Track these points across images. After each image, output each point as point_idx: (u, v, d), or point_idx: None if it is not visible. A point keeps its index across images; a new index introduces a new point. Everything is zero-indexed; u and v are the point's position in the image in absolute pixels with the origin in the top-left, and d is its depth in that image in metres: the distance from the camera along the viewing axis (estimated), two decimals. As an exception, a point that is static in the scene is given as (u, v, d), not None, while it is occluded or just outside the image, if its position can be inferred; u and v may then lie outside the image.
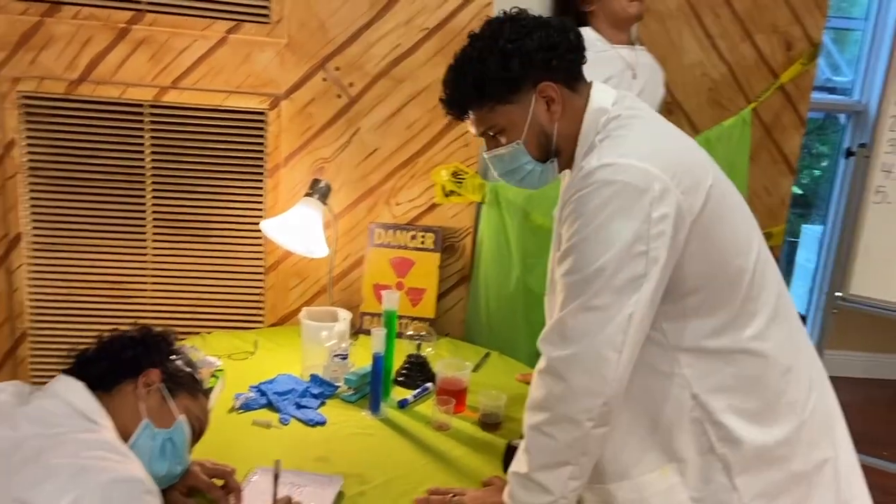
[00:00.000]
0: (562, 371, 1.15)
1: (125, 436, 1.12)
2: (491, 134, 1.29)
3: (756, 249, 1.23)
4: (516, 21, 1.25)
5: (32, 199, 2.10)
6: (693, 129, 2.37)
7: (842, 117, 3.39)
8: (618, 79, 2.07)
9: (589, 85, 1.28)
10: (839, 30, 3.48)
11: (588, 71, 1.93)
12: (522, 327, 2.23)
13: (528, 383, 1.87)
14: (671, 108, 2.36)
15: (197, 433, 1.27)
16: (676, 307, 1.19)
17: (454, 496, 1.32)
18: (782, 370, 1.21)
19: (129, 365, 1.19)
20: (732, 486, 1.18)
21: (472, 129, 1.31)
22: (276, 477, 1.26)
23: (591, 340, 1.13)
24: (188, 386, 1.26)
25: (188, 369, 1.28)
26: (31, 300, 2.16)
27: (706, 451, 1.19)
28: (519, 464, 1.22)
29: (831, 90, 3.51)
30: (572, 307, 1.14)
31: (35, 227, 2.12)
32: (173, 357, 1.27)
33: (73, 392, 1.09)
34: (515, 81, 1.23)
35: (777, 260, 2.59)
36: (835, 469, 1.23)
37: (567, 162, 1.28)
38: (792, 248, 3.71)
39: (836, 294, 2.75)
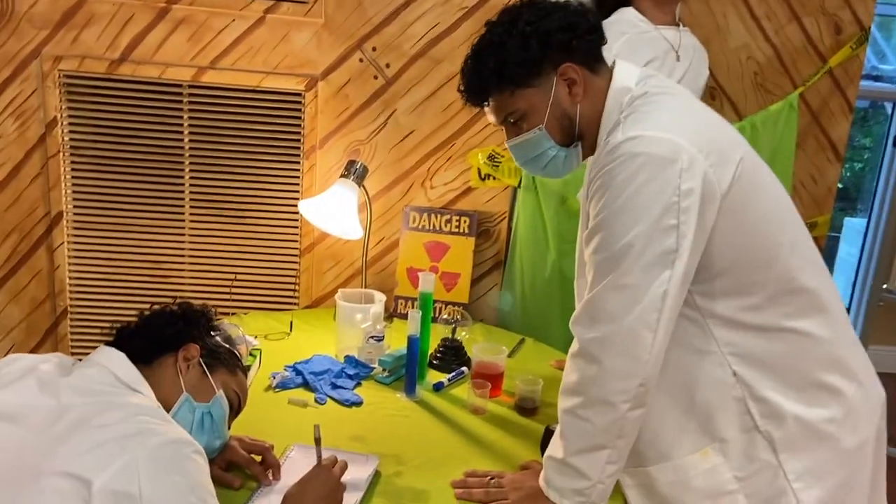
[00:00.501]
0: (595, 353, 1.13)
1: (165, 409, 1.12)
2: (511, 121, 1.26)
3: (792, 227, 1.20)
4: (534, 4, 1.23)
5: (74, 177, 2.12)
6: (737, 114, 2.31)
7: (888, 106, 3.29)
8: (660, 61, 2.01)
9: (609, 66, 1.25)
10: (885, 16, 3.37)
11: (630, 52, 1.89)
12: (558, 314, 2.20)
13: (563, 370, 1.87)
14: (714, 93, 2.30)
15: (235, 409, 1.26)
16: (709, 285, 1.17)
17: (492, 478, 1.31)
18: (826, 349, 1.19)
19: (170, 339, 1.19)
20: (778, 463, 1.16)
21: (492, 118, 1.28)
22: (317, 441, 1.26)
23: (624, 320, 1.10)
24: (227, 361, 1.26)
25: (227, 345, 1.28)
26: (72, 278, 2.19)
27: (749, 429, 1.17)
28: (554, 448, 1.20)
29: (877, 78, 3.40)
30: (602, 286, 1.12)
31: (76, 206, 2.15)
32: (213, 333, 1.27)
33: (115, 361, 1.09)
34: (536, 64, 1.21)
35: (821, 251, 2.52)
36: (872, 452, 1.22)
37: (591, 146, 1.25)
38: (833, 243, 3.62)
39: (883, 286, 2.68)
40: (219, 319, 1.32)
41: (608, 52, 1.33)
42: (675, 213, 1.08)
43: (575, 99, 1.22)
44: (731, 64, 2.31)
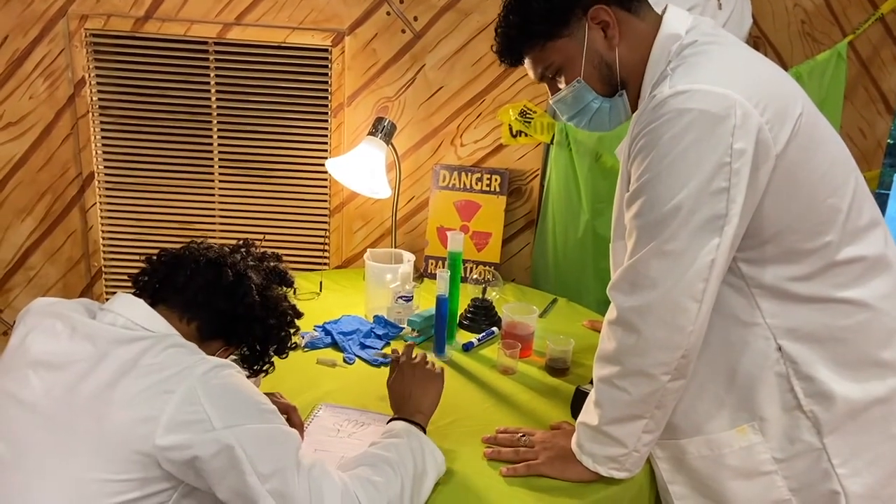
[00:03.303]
0: (635, 322, 1.07)
1: None
2: (550, 76, 1.20)
3: (853, 188, 1.11)
4: None
5: (104, 137, 2.13)
6: (782, 63, 2.20)
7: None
8: (701, 8, 1.92)
9: (653, 10, 1.16)
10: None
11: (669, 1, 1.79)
12: (591, 274, 2.16)
13: (595, 330, 1.85)
14: (758, 42, 2.19)
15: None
16: (757, 252, 1.09)
17: (523, 436, 1.29)
18: (886, 320, 1.10)
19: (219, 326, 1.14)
20: (822, 447, 1.10)
21: (532, 75, 1.22)
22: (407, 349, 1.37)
23: (668, 288, 1.04)
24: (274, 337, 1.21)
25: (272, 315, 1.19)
26: (105, 238, 2.21)
27: (792, 408, 1.11)
28: (589, 415, 1.16)
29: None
30: (646, 251, 1.05)
31: (107, 166, 2.15)
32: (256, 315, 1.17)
33: (136, 310, 1.06)
34: (562, 11, 1.14)
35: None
36: None
37: (636, 94, 1.17)
38: (882, 200, 3.46)
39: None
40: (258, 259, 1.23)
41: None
42: (727, 174, 1.01)
43: (612, 43, 1.14)
44: (777, 12, 2.19)
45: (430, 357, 1.64)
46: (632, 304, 1.08)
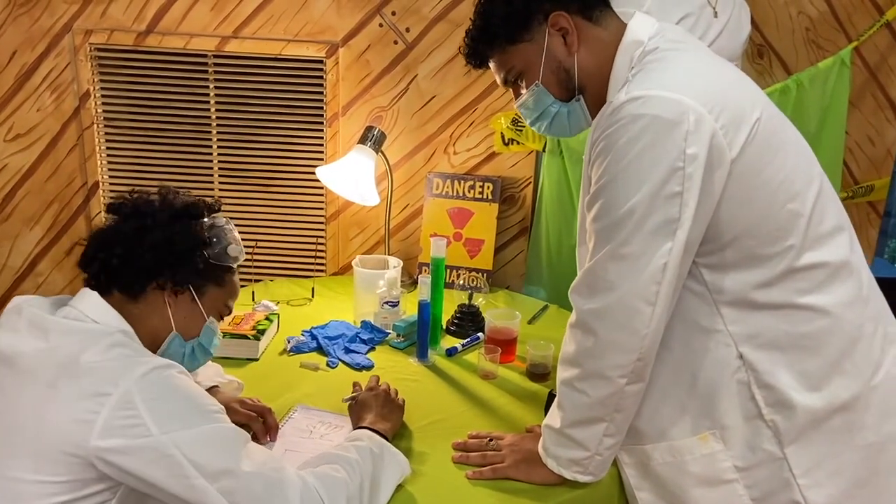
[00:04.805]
0: (592, 325, 1.08)
1: (154, 343, 1.11)
2: (513, 80, 1.22)
3: (815, 192, 1.10)
4: None
5: (108, 148, 2.19)
6: (787, 72, 2.18)
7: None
8: (696, 16, 1.91)
9: (618, 18, 1.18)
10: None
11: (661, 7, 1.79)
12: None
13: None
14: (762, 51, 2.18)
15: (227, 314, 1.23)
16: (717, 257, 1.09)
17: (491, 440, 1.30)
18: (848, 328, 1.09)
19: (153, 267, 1.09)
20: (783, 456, 1.09)
21: (497, 79, 1.25)
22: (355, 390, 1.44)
23: (622, 292, 1.05)
24: (216, 276, 1.16)
25: (216, 255, 1.16)
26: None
27: (753, 417, 1.10)
28: (553, 418, 1.18)
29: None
30: (602, 255, 1.07)
31: (111, 176, 2.22)
32: (201, 244, 1.14)
33: (90, 304, 1.06)
34: (521, 16, 1.16)
35: (878, 217, 2.37)
36: None
37: (596, 102, 1.18)
38: (892, 207, 3.40)
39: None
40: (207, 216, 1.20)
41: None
42: (680, 179, 1.01)
43: (570, 49, 1.16)
44: (781, 19, 2.17)
45: (412, 361, 1.66)
46: (590, 307, 1.09)
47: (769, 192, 1.07)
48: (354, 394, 1.40)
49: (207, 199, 1.21)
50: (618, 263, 1.05)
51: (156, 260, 1.09)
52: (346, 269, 2.29)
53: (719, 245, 1.08)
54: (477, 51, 1.23)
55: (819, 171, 1.14)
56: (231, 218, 2.16)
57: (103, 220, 1.24)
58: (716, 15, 1.95)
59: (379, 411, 1.31)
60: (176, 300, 1.12)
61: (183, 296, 1.12)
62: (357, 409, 1.34)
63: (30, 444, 0.94)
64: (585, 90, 1.18)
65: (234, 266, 1.20)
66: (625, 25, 1.17)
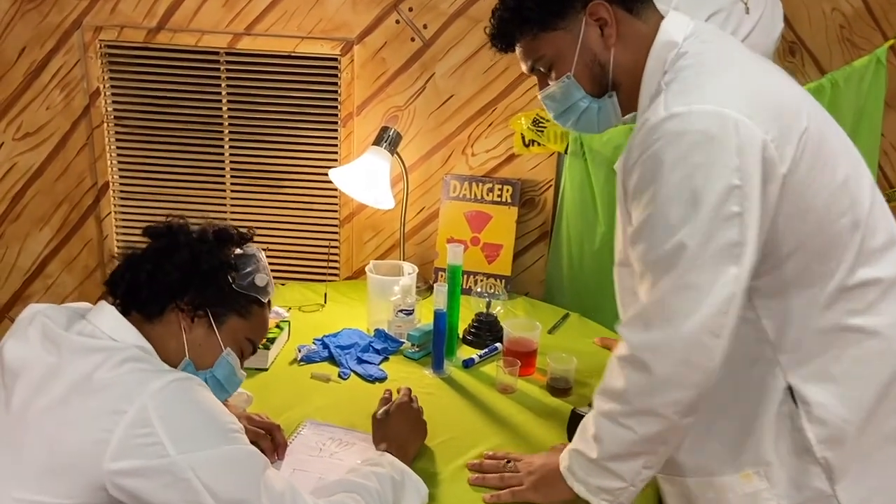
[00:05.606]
0: (647, 360, 0.99)
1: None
2: (541, 70, 1.13)
3: (868, 204, 1.02)
4: None
5: (118, 147, 2.15)
6: (820, 71, 2.09)
7: None
8: (727, 12, 1.82)
9: (658, 12, 1.09)
10: None
11: (691, 3, 1.70)
12: (609, 288, 2.06)
13: (606, 348, 1.76)
14: (794, 48, 2.09)
15: (251, 352, 1.16)
16: (767, 278, 1.01)
17: (508, 461, 1.22)
18: None
19: (174, 288, 1.05)
20: (832, 493, 1.01)
21: (522, 66, 1.16)
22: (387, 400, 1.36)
23: (684, 324, 0.95)
24: (240, 306, 1.10)
25: (242, 284, 1.10)
26: (120, 248, 2.23)
27: (802, 453, 1.02)
28: (586, 446, 1.08)
29: None
30: (658, 289, 0.97)
31: (121, 176, 2.17)
32: (228, 271, 1.10)
33: (106, 320, 1.01)
34: (559, 2, 1.07)
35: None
36: None
37: (628, 100, 1.10)
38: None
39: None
40: (239, 245, 1.15)
41: (667, 4, 1.18)
42: (738, 198, 0.93)
43: (607, 42, 1.08)
44: (814, 16, 2.08)
45: (426, 373, 1.59)
46: (645, 341, 1.00)
47: (822, 206, 0.99)
48: (386, 407, 1.31)
49: (241, 229, 1.16)
50: (679, 295, 0.96)
51: (179, 278, 1.04)
52: (359, 274, 2.23)
53: (769, 266, 1.01)
54: (505, 33, 1.14)
55: (870, 181, 1.06)
56: (242, 220, 2.15)
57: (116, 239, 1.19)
58: (747, 10, 1.86)
59: (407, 435, 1.25)
60: (193, 325, 1.06)
61: (201, 322, 1.06)
62: (383, 427, 1.27)
63: (37, 463, 0.90)
64: (619, 87, 1.10)
65: (264, 300, 1.13)
66: (658, 20, 1.09)
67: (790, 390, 1.02)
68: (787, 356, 1.02)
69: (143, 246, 1.09)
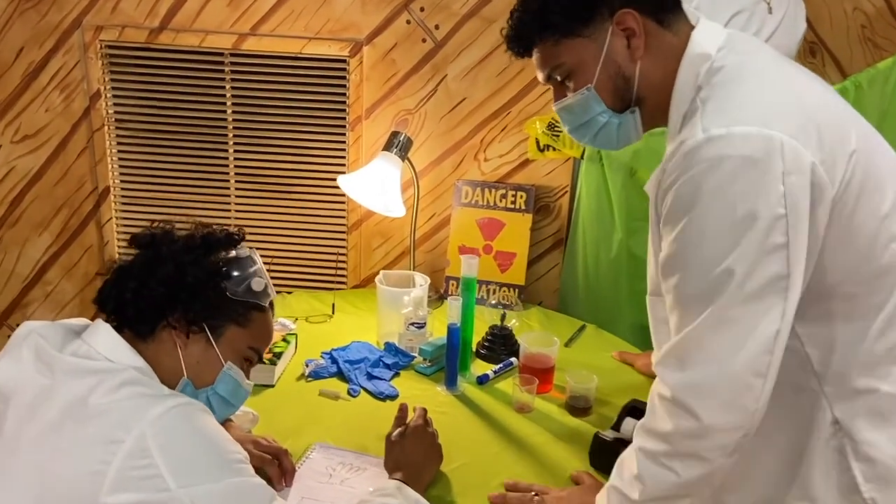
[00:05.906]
0: (691, 404, 0.92)
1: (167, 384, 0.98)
2: (558, 79, 1.05)
3: None
4: None
5: (119, 151, 2.08)
6: (841, 72, 2.02)
7: None
8: (749, 12, 1.76)
9: (689, 23, 1.01)
10: None
11: (713, 5, 1.63)
12: (625, 296, 2.00)
13: (626, 363, 1.69)
14: (814, 49, 2.02)
15: (256, 360, 1.09)
16: (814, 308, 0.94)
17: (536, 495, 1.15)
18: None
19: (164, 303, 0.98)
20: None
21: (538, 74, 1.08)
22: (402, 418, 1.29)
23: (728, 364, 0.89)
24: (237, 315, 1.02)
25: (237, 290, 1.02)
26: (121, 254, 2.16)
27: (849, 492, 0.96)
28: (627, 486, 1.00)
29: None
30: (697, 324, 0.91)
31: (123, 181, 2.11)
32: (220, 280, 1.02)
33: (101, 340, 0.95)
34: (586, 8, 1.00)
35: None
36: None
37: (653, 116, 1.03)
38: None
39: None
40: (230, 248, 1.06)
41: (688, 3, 1.10)
42: (783, 228, 0.86)
43: (634, 54, 1.00)
44: (835, 16, 2.01)
45: (439, 390, 1.52)
46: (686, 382, 0.93)
47: (871, 232, 0.93)
48: (401, 429, 1.24)
49: (230, 229, 1.07)
50: (720, 332, 0.90)
51: (166, 295, 0.97)
52: (367, 282, 2.16)
53: (815, 295, 0.94)
54: (523, 36, 1.05)
55: None
56: (247, 226, 2.08)
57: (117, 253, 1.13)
58: (770, 11, 1.80)
59: (422, 461, 1.19)
60: (188, 342, 0.99)
61: (197, 337, 0.99)
62: (396, 452, 1.20)
63: (30, 494, 0.84)
64: (643, 102, 1.03)
65: (264, 304, 1.05)
66: (689, 31, 1.01)
67: (838, 424, 0.95)
68: (833, 388, 0.96)
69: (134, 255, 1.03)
